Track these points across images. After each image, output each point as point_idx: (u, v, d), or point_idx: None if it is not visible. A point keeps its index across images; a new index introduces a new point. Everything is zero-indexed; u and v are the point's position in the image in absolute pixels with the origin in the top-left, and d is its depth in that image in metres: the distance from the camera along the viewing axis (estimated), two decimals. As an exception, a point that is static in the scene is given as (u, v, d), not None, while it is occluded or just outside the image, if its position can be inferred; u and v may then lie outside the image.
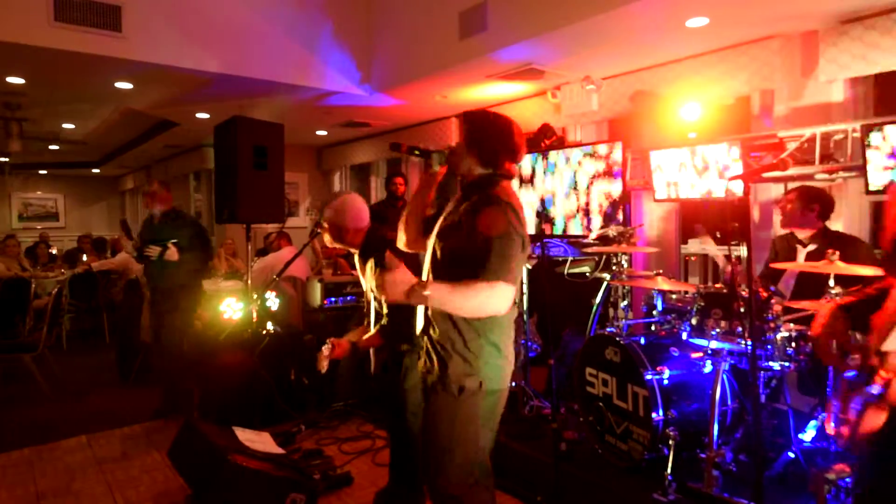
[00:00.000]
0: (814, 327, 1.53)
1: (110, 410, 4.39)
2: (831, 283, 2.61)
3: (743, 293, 2.71)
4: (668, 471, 2.72)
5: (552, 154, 4.80)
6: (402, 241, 2.24)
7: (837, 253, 2.61)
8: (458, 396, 1.85)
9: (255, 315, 3.99)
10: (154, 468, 3.40)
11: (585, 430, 3.31)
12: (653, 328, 3.37)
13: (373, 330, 2.75)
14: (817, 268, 2.66)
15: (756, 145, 3.79)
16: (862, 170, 3.27)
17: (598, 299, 3.89)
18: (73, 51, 4.17)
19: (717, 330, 2.85)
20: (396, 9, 5.17)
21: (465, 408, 1.86)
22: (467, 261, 1.79)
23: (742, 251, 3.10)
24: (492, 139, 1.95)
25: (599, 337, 3.26)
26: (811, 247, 3.12)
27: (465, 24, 4.42)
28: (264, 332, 4.01)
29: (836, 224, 3.50)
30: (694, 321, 3.01)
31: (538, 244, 3.19)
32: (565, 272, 4.21)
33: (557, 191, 4.78)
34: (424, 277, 2.00)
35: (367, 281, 2.75)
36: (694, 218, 4.83)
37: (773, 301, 2.72)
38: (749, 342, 2.12)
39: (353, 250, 2.85)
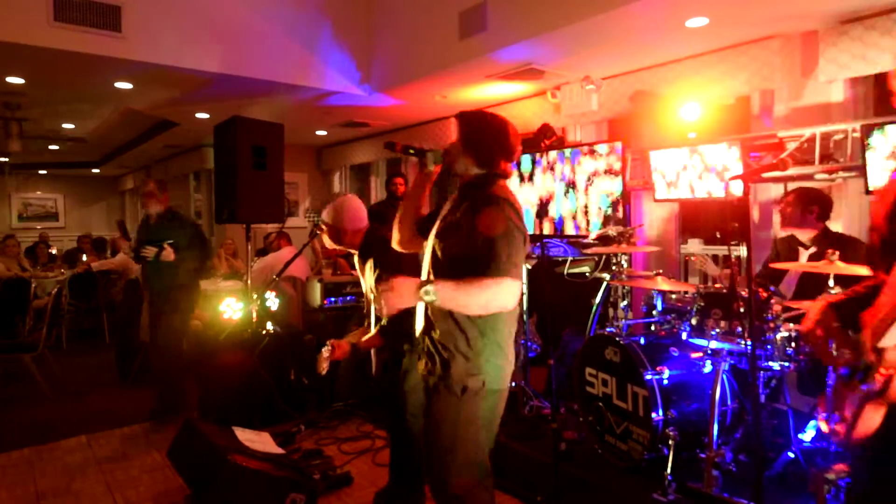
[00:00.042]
0: (804, 323, 1.54)
1: (110, 410, 4.39)
2: (831, 283, 2.61)
3: (743, 293, 2.71)
4: (668, 471, 2.73)
5: (552, 154, 4.80)
6: (395, 241, 2.24)
7: (837, 253, 2.61)
8: (462, 397, 1.86)
9: (254, 315, 3.99)
10: (154, 468, 3.40)
11: (585, 430, 3.31)
12: (652, 328, 3.37)
13: (373, 331, 2.75)
14: (817, 268, 2.66)
15: (756, 145, 3.79)
16: (862, 170, 3.27)
17: (597, 299, 3.89)
18: (72, 51, 4.17)
19: (717, 330, 2.86)
20: (396, 9, 5.17)
21: (468, 408, 1.87)
22: (469, 261, 1.80)
23: (742, 251, 3.10)
24: (488, 139, 1.97)
25: (599, 337, 3.26)
26: (813, 249, 3.12)
27: (465, 24, 4.42)
28: (264, 332, 4.01)
29: (835, 224, 3.50)
30: (694, 321, 3.01)
31: (538, 244, 3.19)
32: (565, 272, 4.21)
33: (557, 191, 4.77)
34: (425, 277, 2.00)
35: (367, 281, 2.75)
36: (694, 218, 4.83)
37: (772, 301, 2.73)
38: (749, 342, 2.12)
39: (352, 251, 2.86)
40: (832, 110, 3.67)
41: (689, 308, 3.07)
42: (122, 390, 5.00)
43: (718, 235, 4.37)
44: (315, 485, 2.87)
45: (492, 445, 1.96)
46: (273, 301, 4.54)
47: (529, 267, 4.05)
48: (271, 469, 2.72)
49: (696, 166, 3.93)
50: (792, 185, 3.55)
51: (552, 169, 4.82)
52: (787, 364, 2.67)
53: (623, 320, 3.56)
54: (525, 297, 3.98)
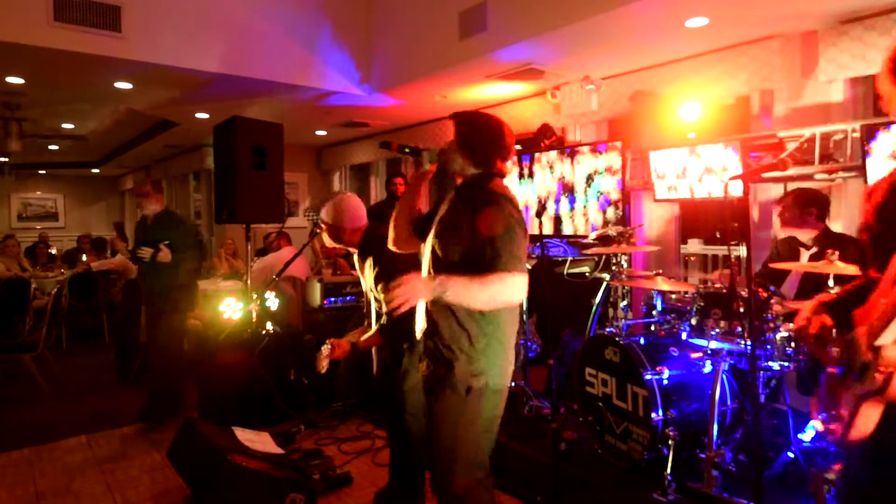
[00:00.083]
0: (795, 321, 1.55)
1: (110, 410, 4.38)
2: (831, 283, 2.62)
3: (742, 293, 2.71)
4: (668, 471, 2.73)
5: (552, 154, 4.80)
6: (391, 241, 2.25)
7: (837, 253, 2.61)
8: (466, 397, 1.87)
9: (254, 315, 3.99)
10: (154, 468, 3.40)
11: (585, 430, 3.31)
12: (652, 328, 3.37)
13: (373, 329, 2.75)
14: (817, 268, 2.66)
15: (756, 145, 3.79)
16: (861, 170, 3.27)
17: (597, 299, 3.89)
18: (72, 51, 4.17)
19: (717, 330, 2.86)
20: (396, 9, 5.17)
21: (471, 408, 1.88)
22: (471, 260, 1.82)
23: (742, 251, 3.11)
24: (485, 139, 1.99)
25: (599, 337, 3.26)
26: (814, 249, 3.12)
27: (465, 24, 4.42)
28: (264, 332, 4.00)
29: (835, 224, 3.50)
30: (693, 321, 3.01)
31: (538, 244, 3.19)
32: (565, 272, 4.21)
33: (557, 191, 4.78)
34: (425, 276, 2.00)
35: (367, 280, 2.75)
36: (694, 218, 4.83)
37: (772, 301, 2.73)
38: (748, 342, 2.12)
39: (351, 249, 2.86)
40: (832, 110, 3.67)
41: (688, 308, 3.07)
42: (122, 390, 5.00)
43: (718, 235, 4.37)
44: (315, 485, 2.87)
45: (493, 445, 1.97)
46: (273, 301, 4.54)
47: (529, 267, 4.05)
48: (271, 469, 2.72)
49: (695, 166, 3.93)
50: (792, 185, 3.55)
51: (551, 168, 4.83)
52: (786, 364, 2.67)
53: (623, 320, 3.56)
54: (525, 297, 3.98)
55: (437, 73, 4.84)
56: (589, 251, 4.33)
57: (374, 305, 2.78)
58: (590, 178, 4.50)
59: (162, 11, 4.46)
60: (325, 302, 4.72)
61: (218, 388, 3.96)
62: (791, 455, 2.80)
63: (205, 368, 4.19)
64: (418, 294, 1.77)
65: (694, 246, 5.41)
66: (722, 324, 2.85)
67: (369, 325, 2.82)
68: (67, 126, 7.65)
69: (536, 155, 4.95)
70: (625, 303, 3.68)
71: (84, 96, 5.87)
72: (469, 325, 1.88)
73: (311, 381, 4.25)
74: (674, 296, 3.34)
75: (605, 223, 4.34)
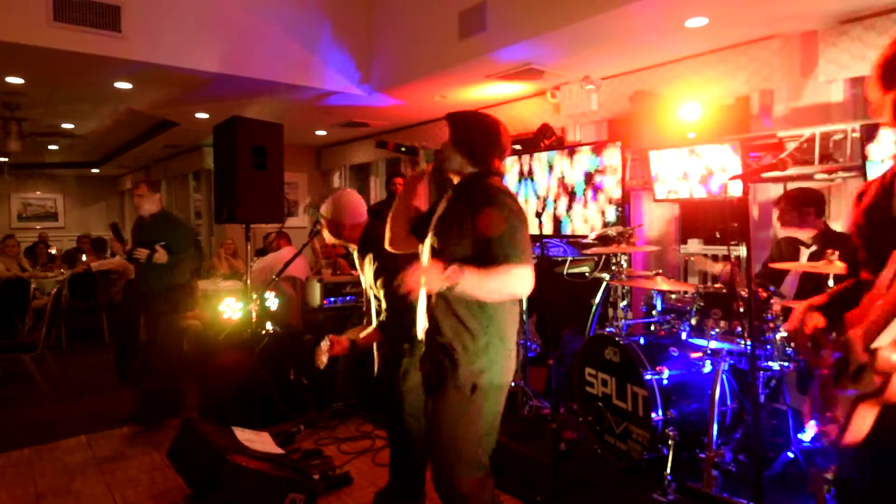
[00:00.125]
0: (788, 325, 1.54)
1: (110, 410, 4.38)
2: (830, 283, 2.62)
3: (742, 293, 2.71)
4: (668, 471, 2.73)
5: (552, 154, 4.80)
6: (388, 241, 2.24)
7: (837, 253, 2.61)
8: (471, 396, 1.88)
9: (254, 315, 3.99)
10: (153, 468, 3.40)
11: (585, 430, 3.31)
12: (652, 328, 3.37)
13: (374, 325, 2.74)
14: (816, 268, 2.66)
15: (755, 145, 3.79)
16: (861, 170, 3.27)
17: (597, 299, 3.89)
18: (72, 51, 4.17)
19: (717, 330, 2.86)
20: (396, 9, 5.17)
21: (475, 406, 1.89)
22: (476, 257, 1.82)
23: (742, 251, 3.11)
24: (482, 139, 2.00)
25: (599, 337, 3.26)
26: (814, 248, 3.12)
27: (465, 24, 4.42)
28: (264, 332, 4.00)
29: (835, 223, 3.50)
30: (693, 321, 3.01)
31: (538, 244, 3.19)
32: (564, 272, 4.21)
33: (557, 191, 4.78)
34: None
35: (366, 277, 2.74)
36: (694, 218, 4.83)
37: (772, 301, 2.73)
38: (748, 342, 2.12)
39: (351, 246, 2.85)
40: (832, 110, 3.67)
41: (688, 308, 3.07)
42: (122, 390, 4.99)
43: (718, 235, 4.36)
44: (314, 485, 2.87)
45: (494, 445, 1.98)
46: (273, 301, 4.54)
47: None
48: (271, 469, 2.72)
49: (695, 166, 3.93)
50: (792, 185, 3.55)
51: (551, 168, 4.83)
52: (786, 364, 2.67)
53: (623, 320, 3.56)
54: (525, 297, 3.98)
55: (437, 73, 4.84)
56: (589, 251, 4.33)
57: (373, 303, 2.77)
58: (590, 178, 4.50)
59: (161, 11, 4.46)
60: (324, 302, 4.72)
61: (218, 388, 3.96)
62: (791, 455, 2.80)
63: (205, 368, 4.18)
64: (430, 280, 1.76)
65: (694, 246, 5.41)
66: (722, 324, 2.85)
67: (369, 324, 2.82)
68: (67, 126, 7.65)
69: (536, 155, 4.95)
70: (624, 303, 3.68)
71: (84, 96, 5.87)
72: (470, 323, 1.88)
73: (310, 381, 4.25)
74: (673, 296, 3.34)
75: (605, 223, 4.34)
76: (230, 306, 4.45)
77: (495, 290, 1.81)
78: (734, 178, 2.06)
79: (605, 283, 3.83)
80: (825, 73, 3.60)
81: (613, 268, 3.67)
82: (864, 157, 3.22)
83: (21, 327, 6.04)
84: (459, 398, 1.89)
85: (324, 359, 2.62)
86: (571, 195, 4.67)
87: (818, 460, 2.70)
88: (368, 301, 2.83)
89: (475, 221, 1.84)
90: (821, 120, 3.64)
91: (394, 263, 2.38)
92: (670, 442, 2.77)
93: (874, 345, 1.13)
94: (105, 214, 13.61)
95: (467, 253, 1.85)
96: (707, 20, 3.59)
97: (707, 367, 2.95)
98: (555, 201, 4.80)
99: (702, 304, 2.98)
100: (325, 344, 2.64)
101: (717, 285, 3.03)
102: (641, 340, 3.09)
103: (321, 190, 9.03)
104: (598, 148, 4.46)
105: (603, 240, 3.99)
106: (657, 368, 2.91)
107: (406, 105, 5.90)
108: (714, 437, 2.69)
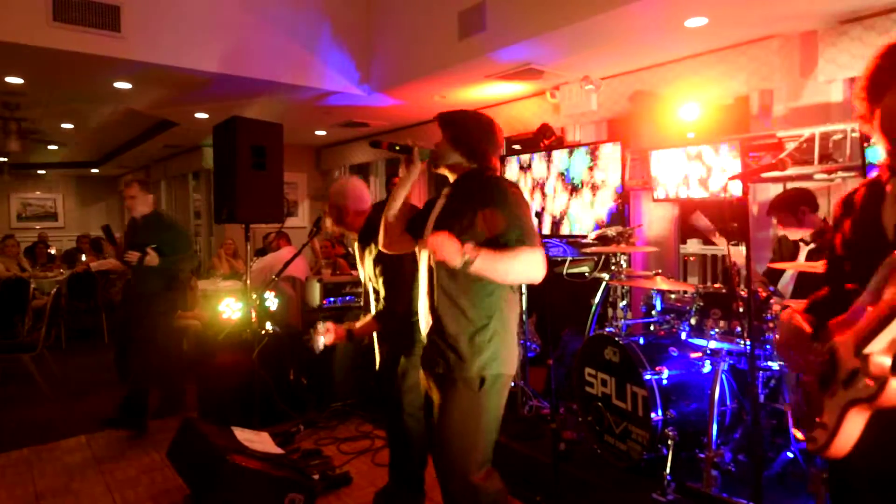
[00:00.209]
0: (778, 339, 1.54)
1: (109, 410, 4.36)
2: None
3: (742, 293, 2.71)
4: (667, 471, 2.73)
5: (551, 153, 4.79)
6: (381, 241, 2.21)
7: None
8: (479, 390, 1.89)
9: (254, 315, 3.99)
10: (153, 468, 3.40)
11: (584, 430, 3.32)
12: (652, 328, 3.37)
13: (371, 313, 2.72)
14: (815, 268, 2.66)
15: (755, 145, 3.79)
16: (861, 170, 3.27)
17: (597, 299, 3.89)
18: (72, 51, 4.17)
19: (716, 330, 2.86)
20: (396, 9, 5.17)
21: (483, 398, 1.91)
22: (486, 244, 1.82)
23: (742, 251, 3.10)
24: (481, 138, 2.01)
25: (598, 337, 3.26)
26: (812, 245, 3.13)
27: (465, 24, 4.42)
28: (263, 332, 4.00)
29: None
30: (693, 321, 3.01)
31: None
32: (564, 272, 4.21)
33: (556, 191, 4.77)
34: (425, 272, 2.01)
35: (366, 269, 2.73)
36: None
37: (771, 301, 2.73)
38: (748, 342, 2.12)
39: (352, 235, 2.84)
40: (831, 110, 3.67)
41: (688, 308, 3.07)
42: (122, 390, 4.98)
43: (718, 236, 4.38)
44: (314, 485, 2.87)
45: (497, 436, 1.99)
46: (272, 301, 4.54)
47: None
48: (270, 469, 2.72)
49: (696, 172, 3.93)
50: (791, 185, 3.55)
51: (550, 168, 4.83)
52: (786, 364, 2.67)
53: (622, 320, 3.56)
54: (525, 297, 3.98)
55: (437, 73, 4.84)
56: (588, 251, 4.33)
57: (371, 295, 2.76)
58: (589, 178, 4.50)
59: (161, 11, 4.46)
60: (324, 302, 4.72)
61: (217, 388, 3.96)
62: (790, 455, 2.80)
63: (204, 368, 4.18)
64: (449, 253, 1.73)
65: (693, 246, 5.42)
66: (721, 324, 2.86)
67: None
68: (67, 126, 7.65)
69: (535, 154, 4.95)
70: (624, 303, 3.68)
71: (84, 96, 5.87)
72: (474, 315, 1.90)
73: (310, 382, 4.25)
74: (673, 296, 3.34)
75: (605, 223, 4.34)
76: (230, 306, 4.45)
77: (511, 270, 1.81)
78: (734, 178, 2.06)
79: (604, 283, 3.83)
80: (825, 73, 3.60)
81: (613, 268, 3.67)
82: (864, 158, 3.22)
83: (21, 327, 6.04)
84: (469, 393, 1.89)
85: (320, 341, 2.60)
86: (571, 195, 4.67)
87: (818, 460, 2.71)
88: (367, 293, 2.81)
89: (480, 211, 1.85)
90: (820, 120, 3.64)
91: (393, 255, 2.38)
92: (670, 442, 2.77)
93: (866, 350, 1.13)
94: (105, 214, 13.60)
95: (477, 241, 1.84)
96: (707, 20, 3.59)
97: (706, 367, 2.95)
98: (554, 201, 4.80)
99: (701, 303, 2.98)
100: (320, 326, 2.62)
101: (716, 285, 3.03)
102: (641, 340, 3.09)
103: (321, 190, 9.04)
104: (597, 148, 4.46)
105: (602, 240, 3.99)
106: (657, 368, 2.91)
107: (406, 105, 5.90)
108: (713, 437, 2.69)
